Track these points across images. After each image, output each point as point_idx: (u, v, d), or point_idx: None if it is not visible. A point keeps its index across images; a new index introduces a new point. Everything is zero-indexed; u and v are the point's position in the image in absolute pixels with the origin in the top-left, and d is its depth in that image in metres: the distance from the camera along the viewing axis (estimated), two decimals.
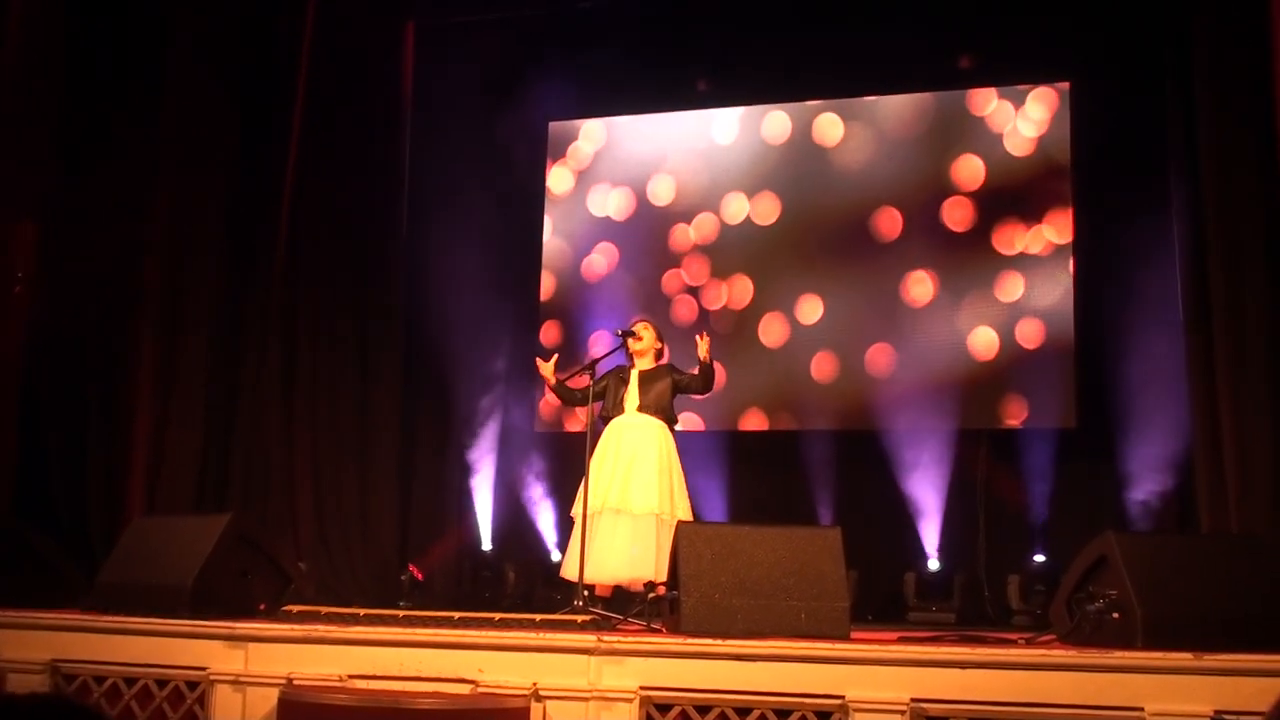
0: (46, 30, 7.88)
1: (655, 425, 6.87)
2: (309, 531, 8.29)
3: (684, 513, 6.71)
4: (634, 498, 6.66)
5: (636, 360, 7.07)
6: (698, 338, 6.92)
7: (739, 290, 9.32)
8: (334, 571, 8.24)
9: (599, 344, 9.13)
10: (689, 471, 7.05)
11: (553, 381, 7.06)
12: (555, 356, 7.15)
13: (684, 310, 9.38)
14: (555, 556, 8.99)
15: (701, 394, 7.23)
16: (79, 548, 7.40)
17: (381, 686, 4.57)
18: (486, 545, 9.32)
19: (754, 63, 9.30)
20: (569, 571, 6.56)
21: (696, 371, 6.94)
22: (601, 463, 6.79)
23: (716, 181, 9.51)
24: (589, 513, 6.63)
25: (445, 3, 9.56)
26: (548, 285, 9.79)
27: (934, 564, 8.32)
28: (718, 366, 7.41)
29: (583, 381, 6.95)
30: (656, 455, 6.76)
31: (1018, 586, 7.77)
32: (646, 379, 6.97)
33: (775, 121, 9.46)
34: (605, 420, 6.95)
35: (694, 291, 9.43)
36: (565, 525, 8.99)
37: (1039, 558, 8.05)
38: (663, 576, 5.50)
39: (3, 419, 7.53)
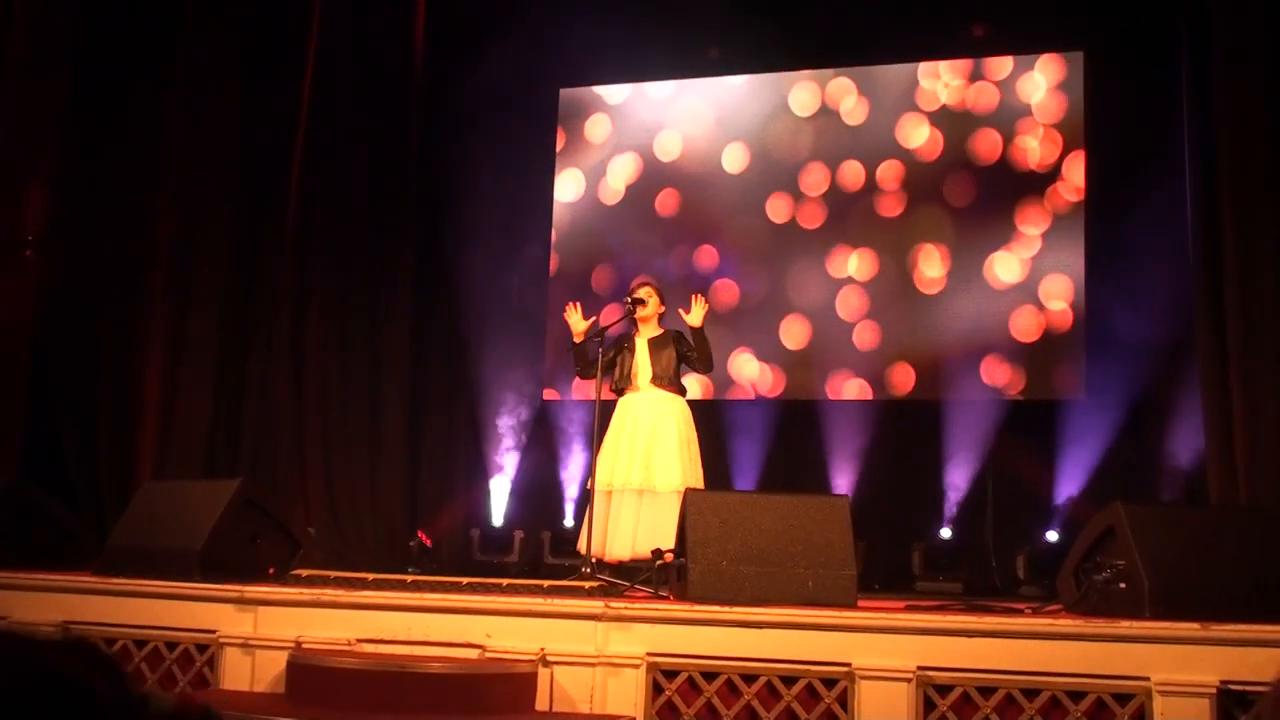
0: (60, 3, 7.87)
1: (670, 399, 6.77)
2: (318, 496, 8.32)
3: (699, 484, 6.62)
4: (657, 476, 6.57)
5: (641, 327, 6.91)
6: (694, 299, 6.76)
7: (752, 259, 9.29)
8: (343, 537, 8.27)
9: (608, 319, 9.10)
10: (702, 439, 6.94)
11: (580, 335, 6.80)
12: (579, 304, 6.93)
13: (694, 279, 9.35)
14: (566, 524, 9.02)
15: (702, 373, 7.11)
16: (90, 511, 7.45)
17: (390, 651, 4.60)
18: (495, 512, 9.35)
19: (766, 30, 9.23)
20: (584, 545, 6.51)
21: (693, 342, 6.78)
22: (619, 439, 6.71)
23: (727, 150, 9.47)
24: (608, 488, 6.59)
25: None
26: (557, 252, 9.77)
27: (944, 532, 8.34)
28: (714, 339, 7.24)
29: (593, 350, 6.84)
30: (676, 430, 6.68)
31: (1025, 559, 7.78)
32: (655, 348, 6.84)
33: (788, 90, 9.41)
34: (617, 393, 6.87)
35: (705, 259, 9.41)
36: (577, 495, 9.04)
37: (1051, 535, 8.06)
38: None
39: (14, 384, 7.57)
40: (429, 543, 8.74)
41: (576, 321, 6.83)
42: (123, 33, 8.12)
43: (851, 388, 8.92)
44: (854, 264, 9.06)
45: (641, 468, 6.59)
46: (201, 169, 8.20)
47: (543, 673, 4.42)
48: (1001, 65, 8.94)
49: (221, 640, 4.81)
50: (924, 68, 9.11)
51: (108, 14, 8.07)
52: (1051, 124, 8.76)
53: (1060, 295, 8.54)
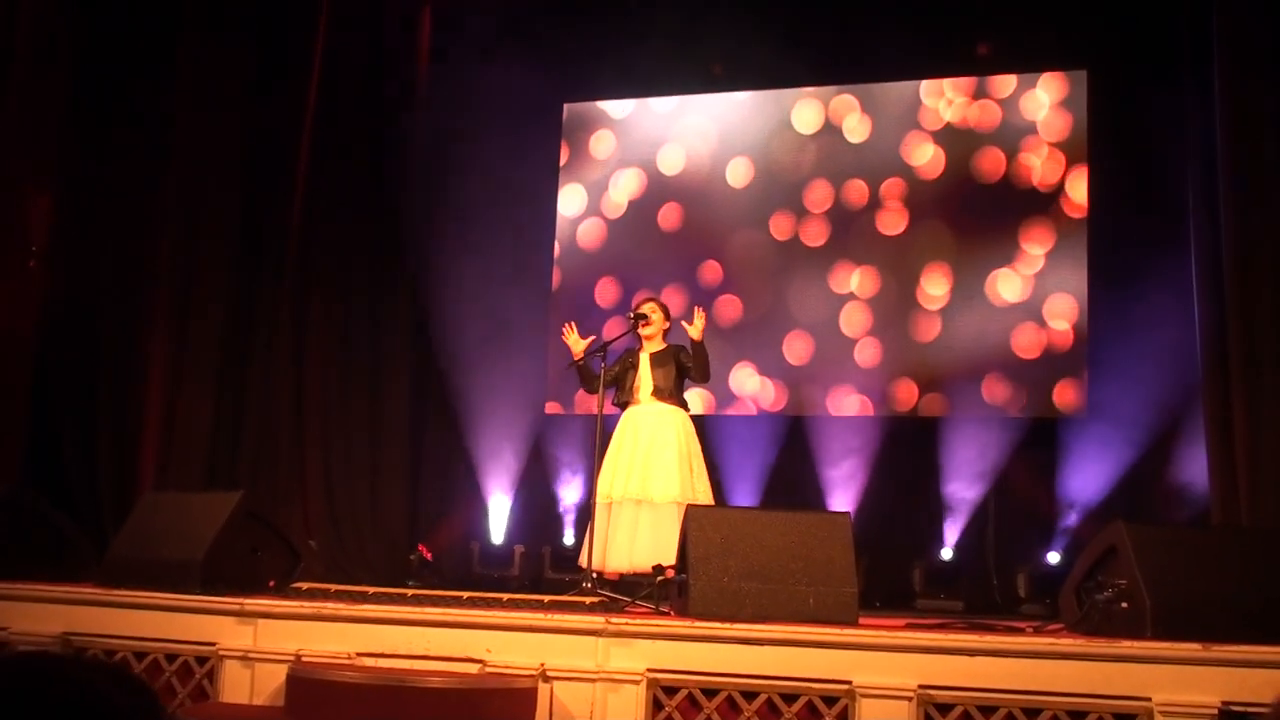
0: (61, 4, 7.88)
1: (672, 411, 6.77)
2: (319, 508, 8.33)
3: (704, 497, 6.62)
4: (654, 487, 6.56)
5: (645, 343, 6.91)
6: (696, 310, 6.76)
7: (755, 274, 9.29)
8: (343, 550, 8.28)
9: (611, 334, 9.10)
10: (704, 454, 6.90)
11: (580, 355, 6.76)
12: (575, 324, 6.92)
13: (697, 294, 9.34)
14: (567, 540, 9.02)
15: (699, 383, 7.05)
16: (89, 515, 7.44)
17: (390, 665, 4.58)
18: (496, 526, 9.34)
19: (770, 47, 9.24)
20: (585, 559, 6.49)
21: (691, 353, 6.75)
22: (619, 451, 6.71)
23: (730, 165, 9.48)
24: (608, 501, 6.60)
25: None
26: (560, 266, 9.78)
27: (945, 552, 8.32)
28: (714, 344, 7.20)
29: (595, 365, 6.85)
30: (676, 442, 6.67)
31: (1026, 577, 7.76)
32: (657, 362, 6.84)
33: (792, 106, 9.43)
34: (620, 406, 6.88)
35: (708, 274, 9.41)
36: (578, 509, 9.03)
37: (1053, 554, 8.04)
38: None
39: (16, 392, 7.56)
40: (429, 556, 8.73)
41: (575, 341, 6.81)
42: (123, 33, 8.13)
43: (853, 404, 8.92)
44: (856, 280, 9.06)
45: (639, 478, 6.60)
46: (202, 169, 8.20)
47: (543, 688, 4.41)
48: (1005, 83, 8.95)
49: (221, 653, 4.80)
50: (927, 85, 9.13)
51: (108, 14, 8.08)
52: (1055, 142, 8.77)
53: (1063, 314, 8.54)
